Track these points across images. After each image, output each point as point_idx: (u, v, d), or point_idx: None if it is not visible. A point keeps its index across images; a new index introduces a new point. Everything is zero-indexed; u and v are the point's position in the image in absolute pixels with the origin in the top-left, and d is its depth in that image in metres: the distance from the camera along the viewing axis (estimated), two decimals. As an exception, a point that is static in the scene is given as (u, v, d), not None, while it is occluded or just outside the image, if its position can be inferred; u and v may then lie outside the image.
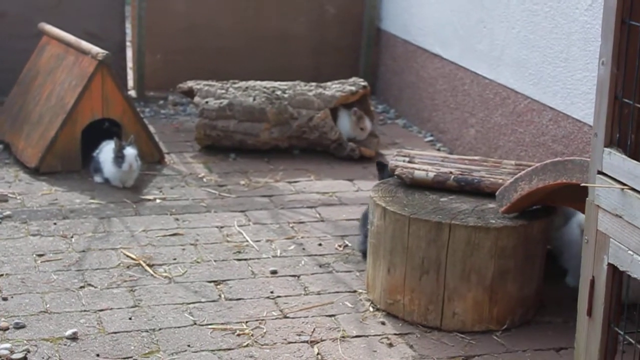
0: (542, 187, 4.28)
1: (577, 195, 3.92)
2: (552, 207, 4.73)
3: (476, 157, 5.29)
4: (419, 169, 4.93)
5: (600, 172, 3.48)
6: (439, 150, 7.25)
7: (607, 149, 3.42)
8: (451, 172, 4.90)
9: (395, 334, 4.48)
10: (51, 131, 6.41)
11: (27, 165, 6.46)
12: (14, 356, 4.11)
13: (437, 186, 4.87)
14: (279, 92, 7.02)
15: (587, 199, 3.58)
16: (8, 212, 5.73)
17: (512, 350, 4.35)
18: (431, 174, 4.89)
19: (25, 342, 4.25)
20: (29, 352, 4.17)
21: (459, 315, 4.51)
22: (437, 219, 4.48)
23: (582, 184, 3.67)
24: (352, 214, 5.96)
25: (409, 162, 5.06)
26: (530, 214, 4.59)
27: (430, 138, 7.59)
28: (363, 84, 7.22)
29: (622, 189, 3.32)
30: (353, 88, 7.11)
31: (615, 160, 3.38)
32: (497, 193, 4.58)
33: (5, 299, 4.65)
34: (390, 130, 7.85)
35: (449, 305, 4.51)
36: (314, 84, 7.21)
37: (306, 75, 8.10)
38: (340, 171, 6.77)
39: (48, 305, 4.61)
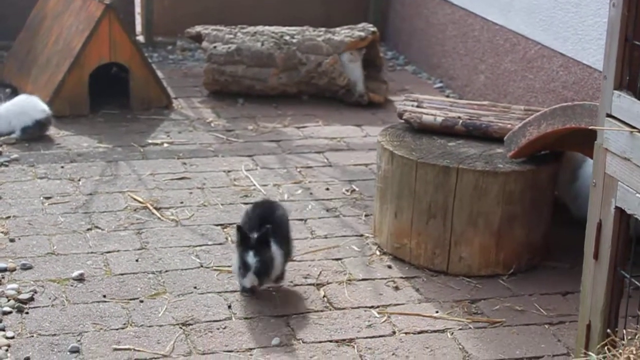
0: (550, 132, 4.25)
1: (585, 140, 3.90)
2: (561, 153, 4.71)
3: (485, 102, 5.25)
4: (427, 114, 4.90)
5: (609, 115, 3.44)
6: (448, 96, 7.20)
7: (616, 92, 3.39)
8: (459, 117, 4.87)
9: (401, 278, 4.48)
10: (59, 75, 6.39)
11: (34, 109, 6.44)
12: (21, 296, 4.12)
13: (445, 131, 4.85)
14: (287, 37, 6.97)
15: (596, 142, 3.55)
16: (15, 156, 5.73)
17: (518, 294, 4.35)
18: (439, 119, 4.86)
19: (32, 282, 4.27)
20: (35, 292, 4.19)
21: (465, 259, 4.50)
22: (444, 163, 4.46)
23: (591, 127, 3.64)
24: (360, 159, 5.94)
25: (417, 106, 5.03)
26: (538, 159, 4.56)
27: (440, 84, 7.55)
28: (372, 29, 7.16)
29: (631, 131, 3.29)
30: (362, 34, 7.06)
31: (624, 103, 3.34)
32: (505, 138, 4.55)
33: (12, 241, 4.66)
34: (399, 76, 7.80)
35: (455, 250, 4.50)
36: (323, 29, 7.15)
37: (315, 21, 8.01)
38: (349, 117, 6.75)
39: (55, 247, 4.62)
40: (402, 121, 4.98)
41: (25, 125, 5.95)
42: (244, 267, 4.09)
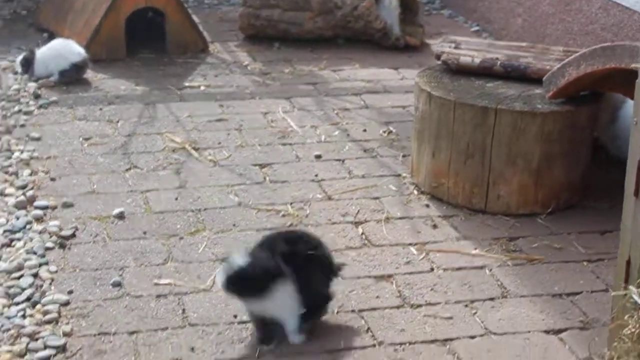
0: (590, 73, 4.22)
1: (625, 81, 3.87)
2: (600, 94, 4.67)
3: (523, 44, 5.22)
4: (465, 55, 4.88)
5: (651, 52, 3.41)
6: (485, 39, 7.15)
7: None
8: (497, 58, 4.84)
9: (439, 216, 4.49)
10: (95, 19, 6.41)
11: (72, 52, 6.47)
12: (63, 233, 4.17)
13: (483, 72, 4.82)
14: (323, -19, 6.94)
15: (637, 80, 3.52)
16: (54, 98, 5.77)
17: (557, 233, 4.35)
18: (477, 60, 4.84)
19: (73, 220, 4.32)
20: (77, 229, 4.24)
21: (503, 197, 4.50)
22: (483, 103, 4.45)
23: (632, 66, 3.61)
24: (397, 101, 5.93)
25: (455, 48, 5.00)
26: (577, 100, 4.53)
27: (476, 28, 7.50)
28: (409, -27, 7.11)
29: (673, 68, 3.26)
30: (399, -23, 7.01)
31: (667, 37, 3.31)
32: (544, 79, 4.52)
33: (53, 180, 4.71)
34: (435, 20, 7.76)
35: (493, 189, 4.50)
36: (358, -28, 7.11)
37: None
38: (385, 60, 6.72)
39: (95, 186, 4.67)
40: (440, 63, 4.96)
41: (63, 68, 5.99)
42: None
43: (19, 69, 6.10)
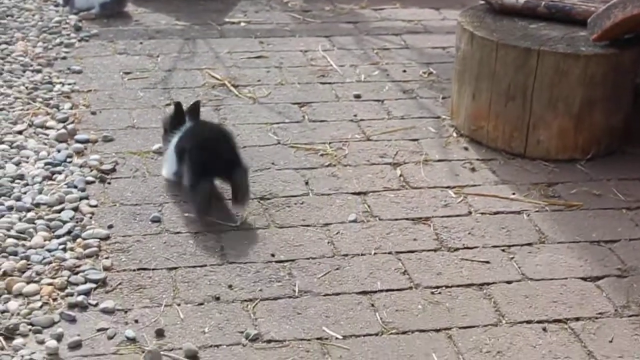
0: (636, 14, 4.16)
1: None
2: (645, 37, 4.61)
3: (569, -15, 5.14)
4: (508, -5, 4.82)
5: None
6: (528, -19, 7.06)
7: None
8: (542, -1, 4.78)
9: (478, 160, 4.48)
10: (136, -48, 6.38)
11: (113, -15, 6.46)
12: (103, 167, 4.20)
13: (527, 13, 4.76)
14: None
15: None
16: (95, 31, 5.78)
17: (596, 179, 4.33)
18: (521, 0, 4.77)
19: (113, 154, 4.34)
20: (117, 164, 4.26)
21: (543, 142, 4.48)
22: (525, 45, 4.40)
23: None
24: (438, 42, 5.89)
25: (499, -12, 4.94)
26: (622, 43, 4.48)
27: (520, -31, 7.39)
28: None
29: None
30: None
31: None
32: (589, 20, 4.46)
33: (94, 114, 4.73)
34: (478, -40, 7.65)
35: (533, 133, 4.47)
36: None
37: None
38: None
39: (135, 121, 4.68)
40: (483, 2, 4.91)
41: (104, 0, 5.98)
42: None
43: (60, 1, 6.11)
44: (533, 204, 4.11)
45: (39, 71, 5.13)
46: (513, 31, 4.58)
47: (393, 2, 6.58)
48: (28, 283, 3.36)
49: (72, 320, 3.21)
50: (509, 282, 3.55)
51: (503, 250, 3.76)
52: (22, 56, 5.28)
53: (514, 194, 4.19)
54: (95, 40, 5.65)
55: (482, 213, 4.03)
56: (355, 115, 4.85)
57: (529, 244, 3.81)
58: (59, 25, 5.80)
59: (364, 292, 3.45)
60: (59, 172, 4.13)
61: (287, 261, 3.59)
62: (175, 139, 4.06)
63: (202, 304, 3.33)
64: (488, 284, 3.53)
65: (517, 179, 4.33)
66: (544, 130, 4.46)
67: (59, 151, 4.30)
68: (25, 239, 3.62)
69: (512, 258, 3.71)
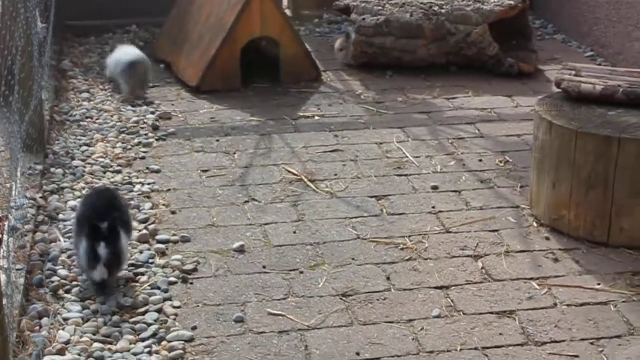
0: None
1: None
2: None
3: (645, 70, 5.11)
4: (586, 82, 4.80)
5: None
6: (600, 65, 7.03)
7: None
8: (620, 86, 4.74)
9: (560, 250, 4.42)
10: (211, 50, 6.49)
11: (188, 84, 6.58)
12: (185, 267, 4.23)
13: (605, 100, 4.73)
14: (436, 8, 6.92)
15: None
16: (172, 130, 5.87)
17: (684, 267, 4.25)
18: (599, 88, 4.75)
19: (194, 254, 4.37)
20: (199, 263, 4.29)
21: (627, 231, 4.41)
22: (606, 132, 4.37)
23: None
24: (512, 130, 5.87)
25: (575, 75, 4.92)
26: (703, 128, 4.43)
27: (591, 53, 7.38)
28: (522, -2, 7.04)
29: None
30: (512, 2, 6.94)
31: None
32: (668, 106, 4.43)
33: (174, 213, 4.78)
34: (548, 45, 7.66)
35: (616, 221, 4.41)
36: (471, -1, 7.08)
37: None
38: (499, 87, 6.66)
39: (215, 219, 4.72)
40: (559, 90, 4.89)
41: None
42: (95, 259, 3.89)
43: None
44: (619, 294, 4.04)
45: (119, 172, 5.22)
46: (592, 119, 4.55)
47: (465, 90, 6.60)
48: (115, 388, 3.38)
49: None
50: (600, 377, 3.48)
51: (592, 344, 3.68)
52: (102, 157, 5.38)
53: (599, 284, 4.12)
54: (172, 139, 5.74)
55: (567, 305, 3.96)
56: (433, 207, 4.84)
57: (618, 337, 3.73)
58: (137, 125, 5.90)
59: (452, 391, 3.40)
60: (142, 274, 4.16)
61: (372, 360, 3.56)
62: None
63: (288, 406, 3.31)
64: (579, 379, 3.47)
65: (601, 268, 4.26)
66: (627, 218, 4.40)
67: (141, 252, 4.34)
68: (111, 343, 3.64)
69: (602, 351, 3.63)
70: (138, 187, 5.05)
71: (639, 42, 6.69)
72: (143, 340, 3.67)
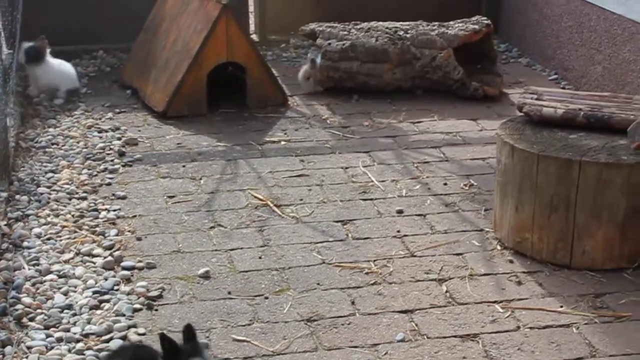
0: (676, 122, 4.18)
1: None
2: (686, 144, 4.61)
3: (606, 94, 5.19)
4: (547, 106, 4.85)
5: None
6: (564, 88, 7.10)
7: None
8: (580, 109, 4.80)
9: (523, 272, 4.46)
10: (178, 76, 6.51)
11: (154, 109, 6.59)
12: (150, 294, 4.23)
13: (566, 123, 4.78)
14: (401, 33, 6.98)
15: None
16: (138, 156, 5.87)
17: (645, 288, 4.30)
18: (560, 111, 4.81)
19: (159, 280, 4.37)
20: (164, 289, 4.29)
21: (588, 253, 4.45)
22: (566, 156, 4.42)
23: None
24: (477, 153, 5.92)
25: (537, 99, 4.98)
26: (662, 150, 4.48)
27: (555, 76, 7.46)
28: (486, 22, 7.10)
29: None
30: (476, 27, 7.02)
31: None
32: (628, 129, 4.49)
33: (139, 239, 4.78)
34: (513, 69, 7.73)
35: (578, 243, 4.46)
36: (436, 23, 7.14)
37: (428, 14, 7.95)
38: (464, 111, 6.72)
39: (180, 245, 4.73)
40: (521, 114, 4.95)
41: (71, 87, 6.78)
42: None
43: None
44: (582, 316, 4.08)
45: (84, 198, 5.21)
46: (553, 142, 4.60)
47: (430, 114, 6.65)
48: (78, 416, 3.37)
49: None
50: (562, 400, 3.50)
51: (554, 366, 3.72)
52: (67, 184, 5.37)
53: (561, 306, 4.16)
54: (138, 164, 5.74)
55: (530, 327, 3.99)
56: (398, 231, 4.87)
57: (580, 359, 3.77)
58: (102, 151, 5.90)
59: (416, 415, 3.42)
60: (107, 301, 4.16)
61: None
62: None
63: None
64: (541, 402, 3.49)
65: (564, 290, 4.30)
66: (589, 240, 4.44)
67: (106, 279, 4.34)
68: (75, 371, 3.64)
69: (564, 374, 3.67)
70: (103, 213, 5.05)
71: (601, 65, 6.78)
72: (107, 367, 3.66)
